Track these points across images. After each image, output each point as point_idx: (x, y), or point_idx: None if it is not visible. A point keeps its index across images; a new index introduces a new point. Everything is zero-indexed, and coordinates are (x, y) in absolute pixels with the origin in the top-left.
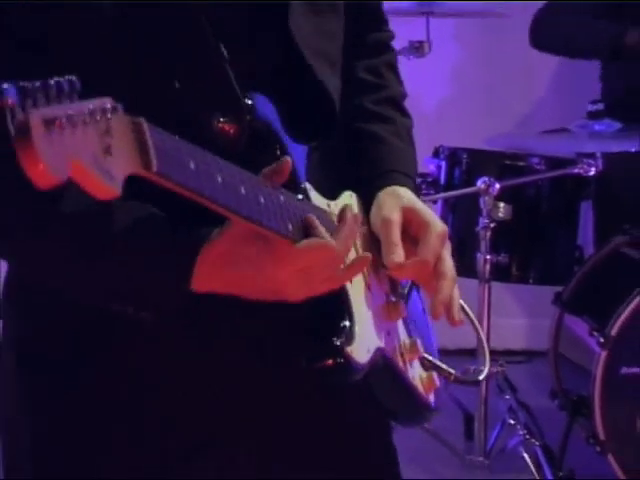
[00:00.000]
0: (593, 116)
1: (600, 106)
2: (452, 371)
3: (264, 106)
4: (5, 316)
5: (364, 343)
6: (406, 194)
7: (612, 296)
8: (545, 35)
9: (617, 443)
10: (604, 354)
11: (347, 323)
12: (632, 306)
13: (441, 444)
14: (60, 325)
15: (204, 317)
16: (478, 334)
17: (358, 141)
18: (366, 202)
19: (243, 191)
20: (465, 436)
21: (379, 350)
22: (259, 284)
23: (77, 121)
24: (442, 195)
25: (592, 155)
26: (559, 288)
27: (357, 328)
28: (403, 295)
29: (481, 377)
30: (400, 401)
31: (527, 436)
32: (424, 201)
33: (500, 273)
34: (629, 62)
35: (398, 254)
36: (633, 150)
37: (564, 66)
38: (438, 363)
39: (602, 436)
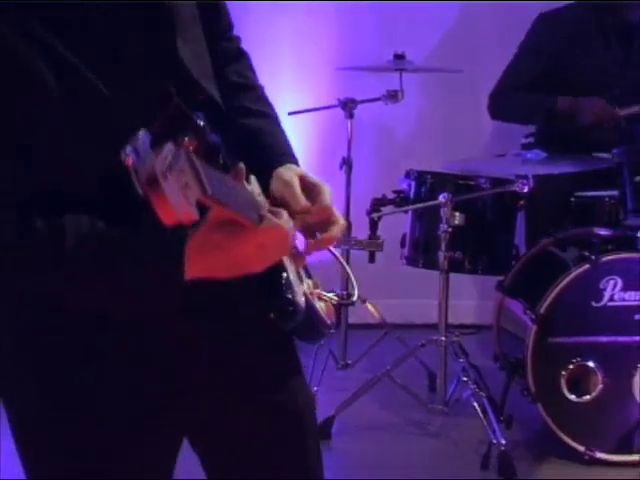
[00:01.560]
0: (526, 147)
1: (531, 139)
2: (334, 298)
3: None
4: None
5: (299, 292)
6: (296, 168)
7: (541, 283)
8: (498, 109)
9: (544, 395)
10: (535, 328)
11: (285, 275)
12: (556, 291)
13: (410, 396)
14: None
15: (189, 289)
16: (344, 268)
17: (249, 136)
18: (265, 181)
19: (229, 191)
20: (429, 389)
21: (305, 294)
22: (230, 262)
23: (173, 170)
24: (412, 207)
25: (525, 177)
26: (501, 277)
27: (293, 282)
28: (296, 247)
29: (354, 299)
30: (310, 326)
31: (476, 389)
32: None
33: (456, 266)
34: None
35: (305, 202)
36: (556, 173)
37: None
38: (325, 294)
39: (533, 389)
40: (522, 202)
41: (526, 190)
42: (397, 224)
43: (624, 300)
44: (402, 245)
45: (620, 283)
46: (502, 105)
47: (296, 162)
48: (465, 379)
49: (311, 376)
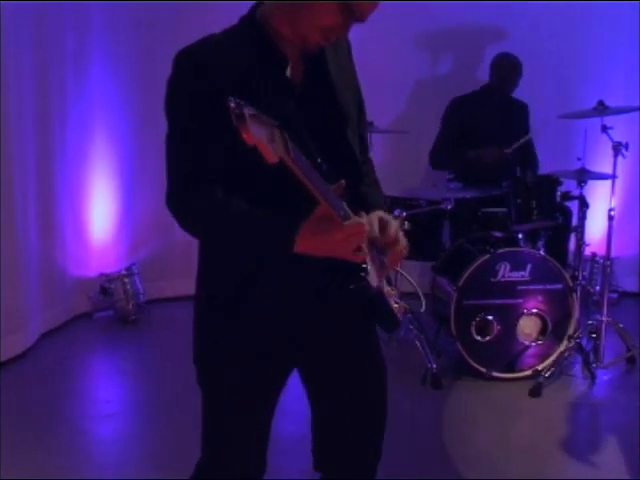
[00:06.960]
0: (449, 180)
1: (452, 176)
2: (405, 305)
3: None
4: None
5: (373, 278)
6: (379, 212)
7: (459, 267)
8: (435, 163)
9: (461, 336)
10: (455, 294)
11: (366, 267)
12: (469, 271)
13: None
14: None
15: (301, 263)
16: (415, 289)
17: (364, 197)
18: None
19: (327, 187)
20: (388, 333)
21: (378, 287)
22: (326, 246)
23: (261, 122)
24: None
25: (449, 199)
26: (434, 263)
27: (370, 270)
28: (384, 267)
29: (422, 310)
30: (387, 315)
31: (419, 333)
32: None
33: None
34: (472, 168)
35: (376, 231)
36: (468, 197)
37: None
38: (399, 301)
39: (454, 333)
40: (447, 215)
41: (449, 207)
42: None
43: (510, 277)
44: None
45: (508, 266)
46: (436, 160)
47: (385, 210)
48: (411, 327)
49: None
